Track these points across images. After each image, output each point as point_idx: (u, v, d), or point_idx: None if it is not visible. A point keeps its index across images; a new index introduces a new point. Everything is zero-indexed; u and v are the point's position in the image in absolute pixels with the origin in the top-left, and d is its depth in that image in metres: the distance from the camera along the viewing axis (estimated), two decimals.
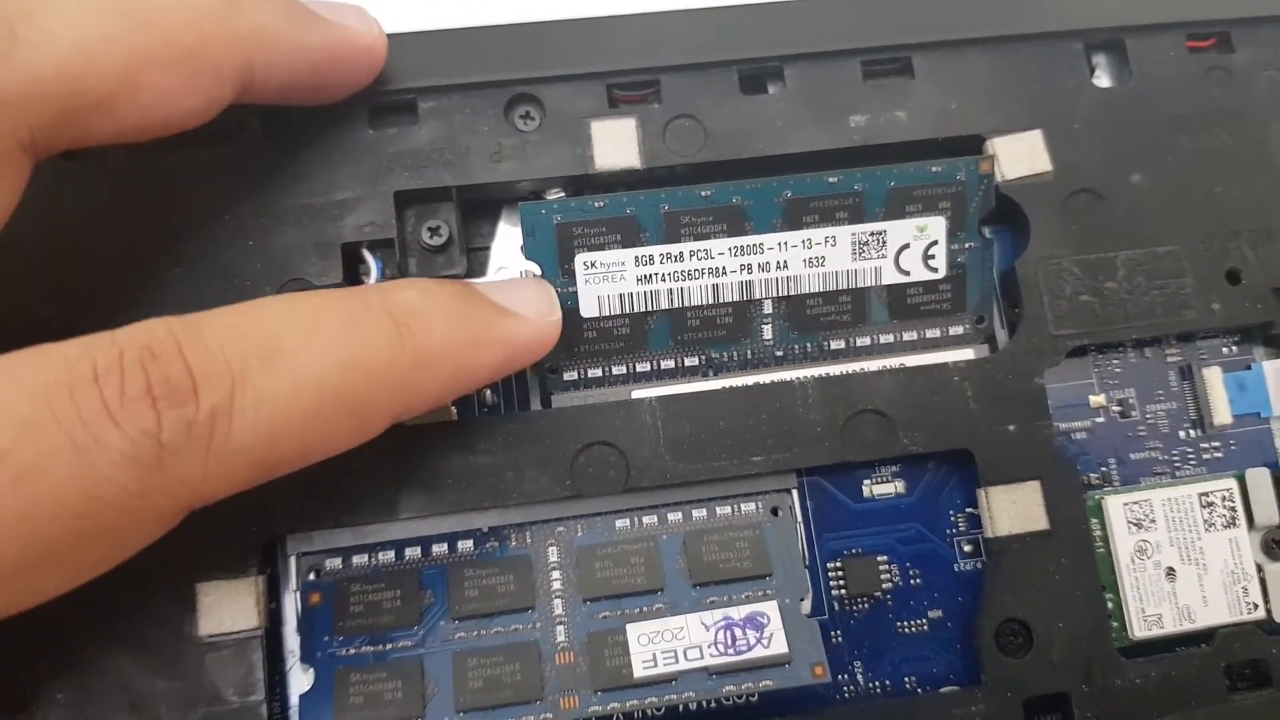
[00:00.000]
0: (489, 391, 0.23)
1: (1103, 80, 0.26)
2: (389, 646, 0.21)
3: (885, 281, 0.23)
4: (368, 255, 0.23)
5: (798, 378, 0.23)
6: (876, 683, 0.22)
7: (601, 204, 0.22)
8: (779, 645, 0.20)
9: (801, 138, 0.24)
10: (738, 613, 0.21)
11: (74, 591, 0.20)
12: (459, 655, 0.20)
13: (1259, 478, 0.23)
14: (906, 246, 0.23)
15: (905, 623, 0.23)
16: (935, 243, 0.23)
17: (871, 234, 0.23)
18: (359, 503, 0.21)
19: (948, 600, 0.23)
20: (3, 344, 0.16)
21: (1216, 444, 0.24)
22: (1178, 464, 0.24)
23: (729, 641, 0.20)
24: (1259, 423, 0.24)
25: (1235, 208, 0.25)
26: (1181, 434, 0.24)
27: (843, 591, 0.22)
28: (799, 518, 0.23)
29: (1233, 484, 0.23)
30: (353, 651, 0.20)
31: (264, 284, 0.22)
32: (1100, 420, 0.24)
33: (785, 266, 0.23)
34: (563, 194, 0.24)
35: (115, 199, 0.23)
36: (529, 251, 0.23)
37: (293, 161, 0.23)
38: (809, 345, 0.23)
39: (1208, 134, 0.25)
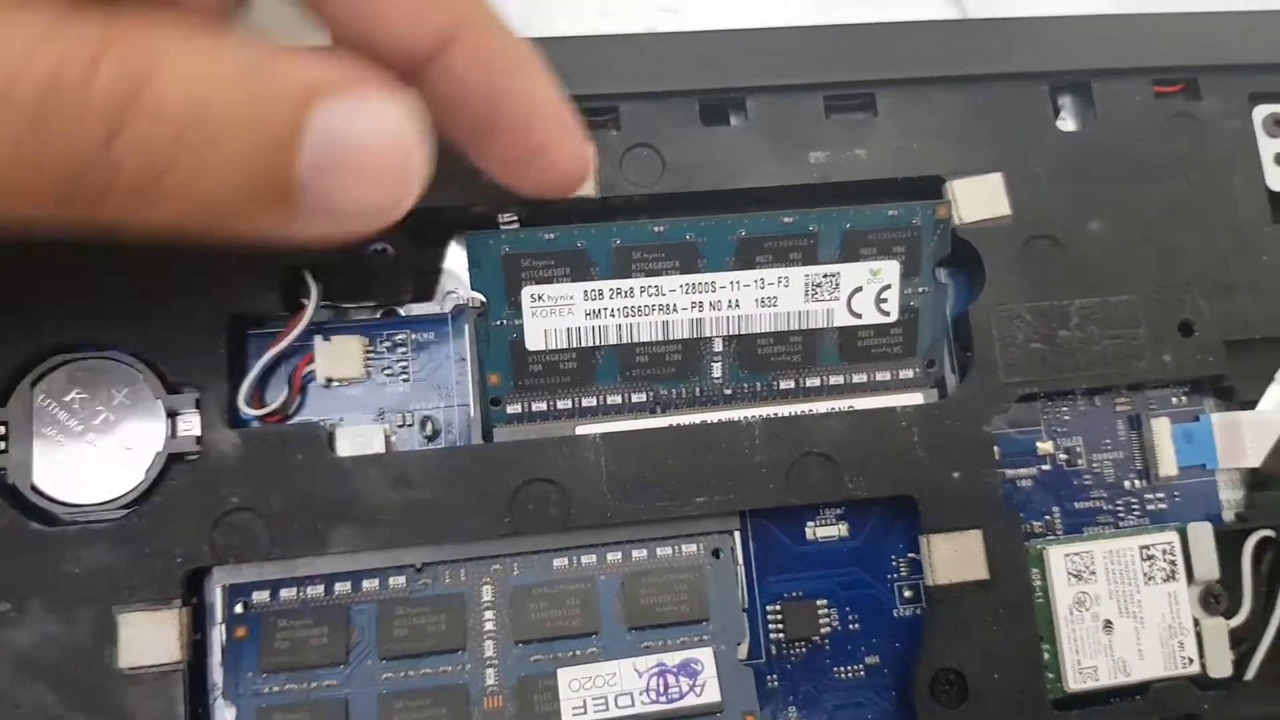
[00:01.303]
0: (429, 423, 0.23)
1: (1067, 123, 0.26)
2: (313, 685, 0.20)
3: (837, 324, 0.23)
4: (309, 278, 0.22)
5: (745, 418, 0.22)
6: None
7: (552, 236, 0.22)
8: (711, 693, 0.20)
9: (761, 172, 0.23)
10: (671, 659, 0.21)
11: None
12: (384, 697, 0.20)
13: (1200, 532, 0.23)
14: (859, 289, 0.23)
15: (842, 668, 0.22)
16: (888, 286, 0.23)
17: (825, 276, 0.23)
18: (289, 534, 0.21)
19: (885, 646, 0.23)
20: None
21: (1161, 495, 0.24)
22: (1121, 514, 0.24)
23: (661, 689, 0.20)
24: (1204, 474, 0.24)
25: (1194, 258, 0.24)
26: (1127, 484, 0.24)
27: (781, 635, 0.22)
28: (740, 560, 0.22)
29: (1174, 537, 0.23)
30: (276, 690, 0.20)
31: (199, 306, 0.21)
32: (1046, 468, 0.24)
33: (737, 305, 0.22)
34: (516, 220, 0.23)
35: None
36: (475, 282, 0.22)
37: None
38: (758, 384, 0.23)
39: (1171, 182, 0.25)
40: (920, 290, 0.23)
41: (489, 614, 0.21)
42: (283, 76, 0.14)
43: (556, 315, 0.22)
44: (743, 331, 0.23)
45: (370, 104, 0.15)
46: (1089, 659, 0.23)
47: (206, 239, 0.15)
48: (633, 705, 0.20)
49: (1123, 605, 0.23)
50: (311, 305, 0.22)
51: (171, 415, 0.21)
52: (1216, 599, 0.23)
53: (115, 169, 0.13)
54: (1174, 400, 0.25)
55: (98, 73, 0.12)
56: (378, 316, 0.23)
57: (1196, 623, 0.23)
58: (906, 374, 0.23)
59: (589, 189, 0.23)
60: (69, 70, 0.12)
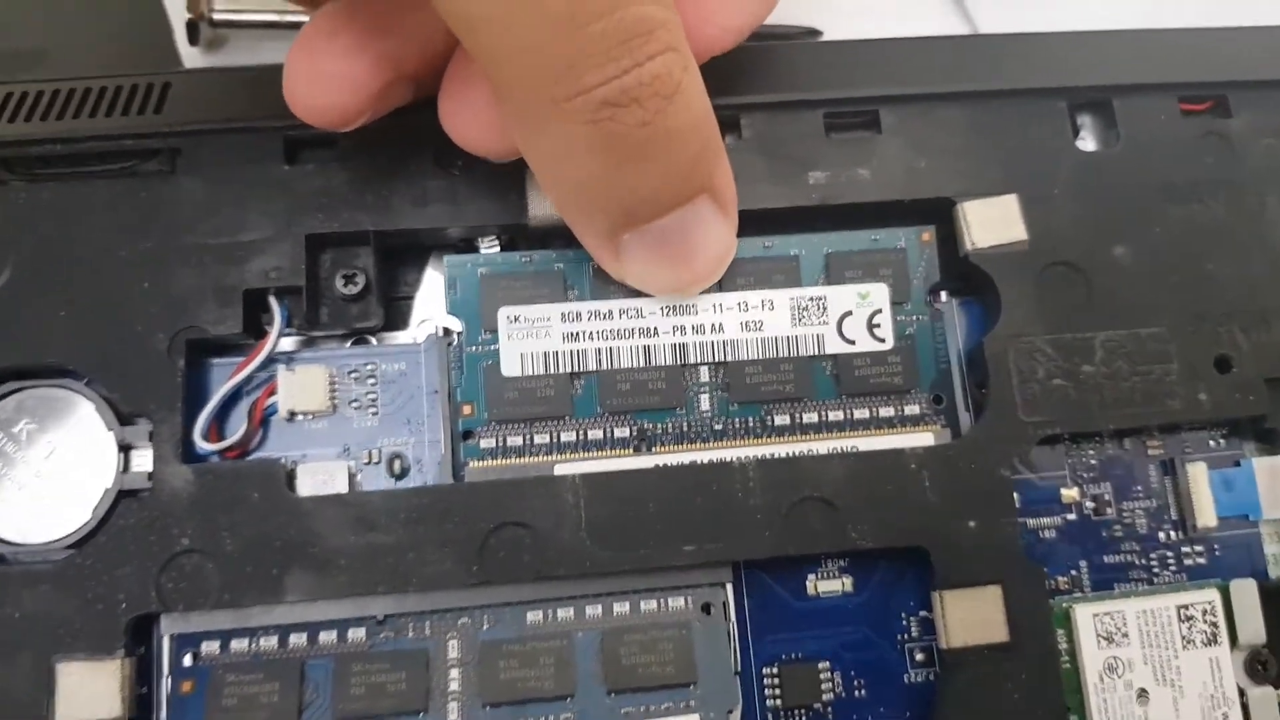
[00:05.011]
0: (398, 460, 0.21)
1: (1088, 143, 0.24)
2: None
3: (829, 350, 0.21)
4: (273, 303, 0.21)
5: (738, 458, 0.21)
6: None
7: (529, 258, 0.21)
8: None
9: (757, 194, 0.22)
10: None
11: None
12: None
13: (1244, 590, 0.21)
14: (849, 314, 0.21)
15: None
16: (879, 311, 0.21)
17: (811, 299, 0.21)
18: (241, 580, 0.19)
19: (895, 716, 0.20)
20: None
21: (1199, 548, 0.22)
22: (1155, 569, 0.22)
23: None
24: (1247, 526, 0.22)
25: (1227, 287, 0.22)
26: (1161, 535, 0.22)
27: (778, 702, 0.20)
28: (733, 616, 0.20)
29: (1215, 596, 0.21)
30: None
31: (157, 330, 0.20)
32: (1071, 517, 0.22)
33: (721, 329, 0.21)
34: (496, 244, 0.22)
35: (7, 232, 0.21)
36: (451, 305, 0.21)
37: (200, 196, 0.21)
38: (750, 419, 0.21)
39: (1200, 205, 0.23)
40: (916, 317, 0.21)
41: (454, 672, 0.19)
42: (723, 162, 0.19)
43: (534, 338, 0.21)
44: (729, 358, 0.21)
45: (727, 225, 0.19)
46: None
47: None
48: None
49: (1159, 672, 0.21)
50: (275, 332, 0.21)
51: (125, 449, 0.20)
52: (1264, 665, 0.21)
53: (622, 100, 0.16)
54: (1211, 443, 0.23)
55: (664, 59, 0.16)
56: (347, 345, 0.22)
57: (1242, 693, 0.21)
58: (913, 409, 0.22)
59: None
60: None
